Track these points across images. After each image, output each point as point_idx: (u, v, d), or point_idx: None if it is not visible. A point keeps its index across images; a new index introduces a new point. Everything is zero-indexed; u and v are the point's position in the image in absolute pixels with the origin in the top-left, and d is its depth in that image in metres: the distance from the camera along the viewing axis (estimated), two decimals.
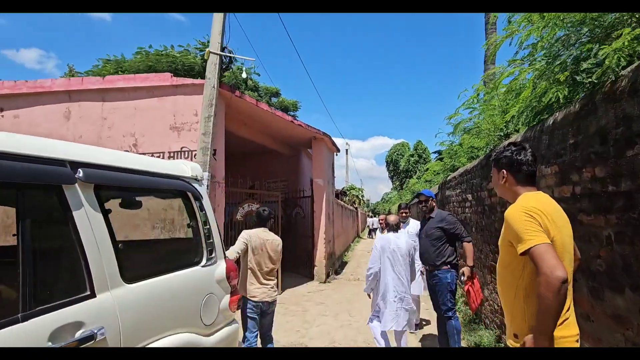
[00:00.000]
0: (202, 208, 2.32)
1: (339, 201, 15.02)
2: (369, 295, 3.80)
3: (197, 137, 5.63)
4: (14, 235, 2.13)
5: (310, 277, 8.69)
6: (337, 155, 11.36)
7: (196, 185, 2.34)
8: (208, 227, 2.32)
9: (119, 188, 1.76)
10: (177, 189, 2.19)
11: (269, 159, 11.05)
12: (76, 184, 1.45)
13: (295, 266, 9.37)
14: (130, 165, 1.84)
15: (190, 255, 2.23)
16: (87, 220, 1.45)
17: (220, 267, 2.34)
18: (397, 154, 34.10)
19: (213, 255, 2.30)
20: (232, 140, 9.13)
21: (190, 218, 2.30)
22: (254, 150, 10.83)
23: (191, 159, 5.72)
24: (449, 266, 3.64)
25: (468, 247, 3.58)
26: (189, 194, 2.26)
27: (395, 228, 3.61)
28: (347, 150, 30.93)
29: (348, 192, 24.09)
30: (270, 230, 3.73)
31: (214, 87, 5.53)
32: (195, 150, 5.63)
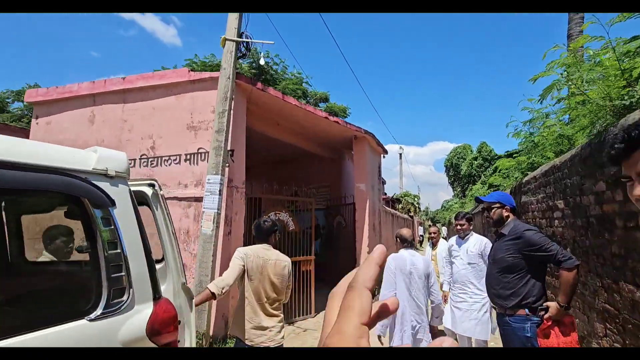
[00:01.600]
0: (108, 221, 1.44)
1: (389, 209, 13.72)
2: (379, 339, 2.90)
3: None
4: None
5: None
6: (384, 157, 10.21)
7: (103, 184, 1.47)
8: (118, 251, 1.43)
9: None
10: (57, 190, 1.33)
11: (310, 164, 10.37)
12: None
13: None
14: None
15: (74, 299, 1.36)
16: None
17: (138, 318, 1.43)
18: (458, 158, 31.56)
19: (124, 298, 1.41)
20: (264, 143, 8.54)
21: (86, 237, 1.43)
22: (293, 154, 10.26)
23: (207, 161, 5.06)
24: (526, 310, 2.36)
25: (565, 275, 2.26)
26: (84, 200, 1.40)
27: (409, 244, 3.06)
28: (400, 154, 29.27)
29: (402, 199, 22.55)
30: (275, 247, 2.81)
31: (229, 78, 4.82)
32: None
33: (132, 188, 2.09)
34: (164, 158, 5.40)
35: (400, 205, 22.07)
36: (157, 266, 2.00)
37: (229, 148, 4.99)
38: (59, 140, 6.14)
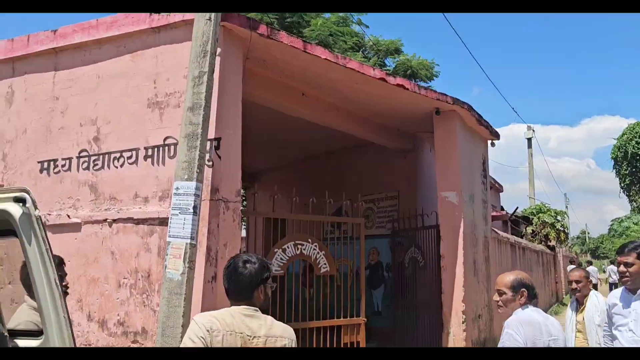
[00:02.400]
0: None
1: (507, 235, 13.03)
2: None
3: None
4: None
5: None
6: (493, 146, 9.74)
7: None
8: None
9: None
10: None
11: (363, 160, 10.38)
12: None
13: None
14: None
15: None
16: None
17: None
18: (638, 142, 29.84)
19: None
20: (282, 127, 8.49)
21: None
22: (333, 145, 10.18)
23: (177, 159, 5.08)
24: None
25: None
26: None
27: (534, 297, 3.17)
28: (529, 140, 28.05)
29: (533, 218, 21.43)
30: (266, 310, 2.63)
31: (209, 19, 4.77)
32: None
33: None
34: (113, 155, 5.53)
35: (530, 229, 21.01)
36: (33, 344, 1.88)
37: (212, 136, 4.94)
38: None
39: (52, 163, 5.84)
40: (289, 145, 10.44)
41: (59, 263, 2.76)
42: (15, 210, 1.93)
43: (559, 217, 23.53)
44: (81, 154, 5.71)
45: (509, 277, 3.18)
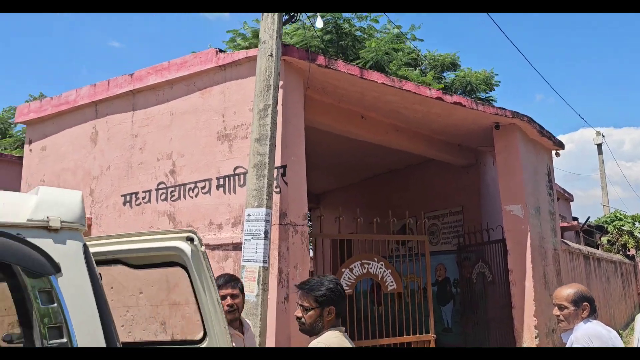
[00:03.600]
0: (49, 296, 1.62)
1: (579, 246, 12.58)
2: None
3: None
4: None
5: None
6: (558, 156, 9.53)
7: (43, 242, 1.67)
8: (63, 341, 1.59)
9: None
10: None
11: (429, 176, 10.43)
12: None
13: None
14: None
15: None
16: None
17: None
18: None
19: None
20: (344, 150, 8.73)
21: (19, 319, 1.62)
22: (393, 163, 10.29)
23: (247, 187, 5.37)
24: None
25: None
26: (15, 267, 1.60)
27: (594, 311, 3.16)
28: (599, 145, 26.83)
29: (608, 227, 20.46)
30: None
31: (271, 55, 5.08)
32: None
33: (163, 243, 2.54)
34: (188, 186, 5.90)
35: (605, 238, 20.06)
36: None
37: (279, 164, 5.21)
38: (56, 170, 7.19)
39: (133, 196, 6.32)
40: (352, 166, 10.63)
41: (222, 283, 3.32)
42: (186, 247, 2.49)
43: (637, 224, 22.33)
44: (159, 187, 6.14)
45: (569, 291, 3.15)
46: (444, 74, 19.60)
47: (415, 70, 17.17)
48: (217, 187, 5.70)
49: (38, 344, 1.58)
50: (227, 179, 5.66)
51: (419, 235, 6.63)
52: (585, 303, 3.07)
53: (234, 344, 2.80)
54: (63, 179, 7.03)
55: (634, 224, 22.02)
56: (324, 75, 5.85)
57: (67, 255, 1.73)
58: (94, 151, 6.85)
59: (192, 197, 5.87)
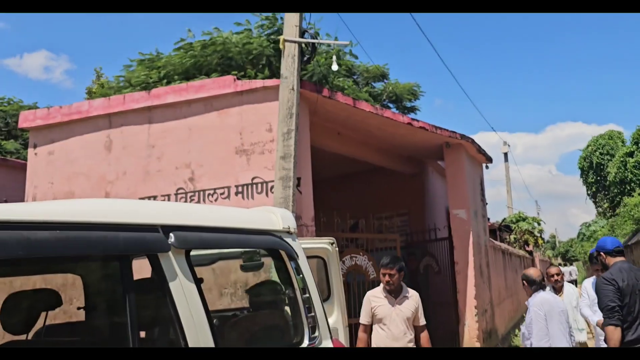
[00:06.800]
0: (298, 270, 2.86)
1: (498, 243, 14.74)
2: None
3: (272, 162, 6.43)
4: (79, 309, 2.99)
5: None
6: (487, 168, 11.40)
7: (289, 241, 2.91)
8: (308, 295, 2.84)
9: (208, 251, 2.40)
10: (268, 248, 2.77)
11: (378, 182, 11.62)
12: (169, 252, 2.09)
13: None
14: (215, 222, 2.47)
15: (288, 334, 2.76)
16: (182, 292, 2.07)
17: None
18: (602, 153, 31.77)
19: (316, 334, 2.81)
20: (320, 159, 9.94)
21: (285, 285, 2.86)
22: (353, 170, 11.47)
23: (266, 194, 6.52)
24: None
25: None
26: (282, 253, 2.83)
27: (540, 286, 4.68)
28: (505, 155, 29.87)
29: (514, 226, 23.22)
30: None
31: (292, 89, 6.30)
32: (271, 181, 6.42)
33: (315, 245, 3.73)
34: (207, 192, 6.92)
35: (512, 236, 22.65)
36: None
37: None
38: (67, 173, 7.86)
39: (152, 199, 7.20)
40: (323, 171, 11.63)
41: None
42: (330, 248, 3.99)
43: (533, 224, 25.34)
44: (178, 191, 7.08)
45: (523, 273, 4.83)
46: (374, 84, 21.47)
47: (349, 80, 18.79)
48: (236, 193, 6.73)
49: (299, 299, 2.81)
50: (245, 187, 6.71)
51: (393, 234, 8.00)
52: (525, 281, 4.82)
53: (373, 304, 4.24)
54: (75, 182, 7.72)
55: (533, 225, 25.06)
56: (326, 105, 7.09)
57: (297, 248, 2.98)
58: (108, 158, 7.57)
59: (211, 202, 6.87)
